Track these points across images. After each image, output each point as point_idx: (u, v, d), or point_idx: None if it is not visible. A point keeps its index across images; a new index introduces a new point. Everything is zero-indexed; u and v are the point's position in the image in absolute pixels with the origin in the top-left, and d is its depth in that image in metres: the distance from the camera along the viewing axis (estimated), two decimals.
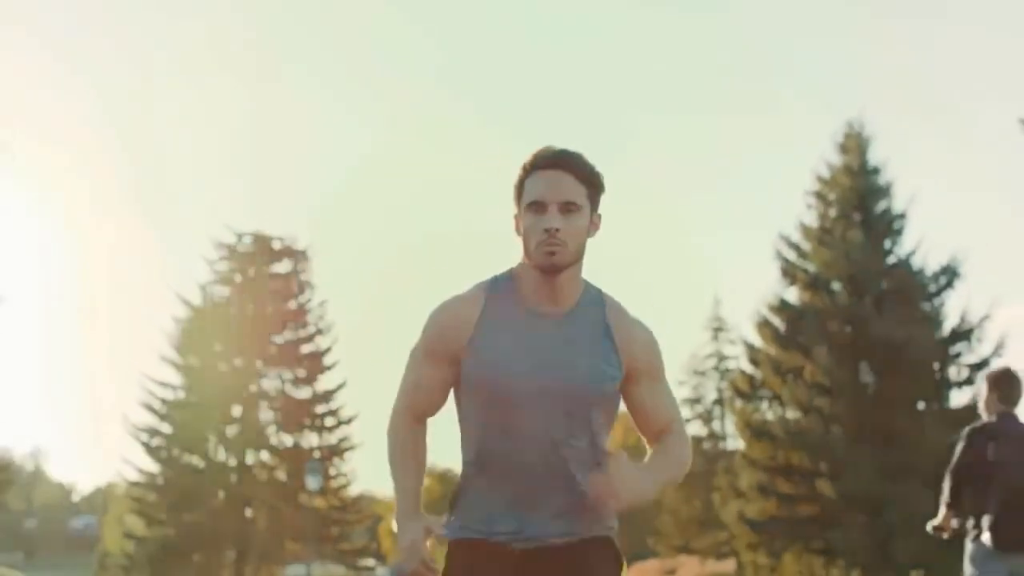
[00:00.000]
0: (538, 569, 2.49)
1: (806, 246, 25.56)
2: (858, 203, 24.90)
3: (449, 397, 2.64)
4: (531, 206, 2.48)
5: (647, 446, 2.68)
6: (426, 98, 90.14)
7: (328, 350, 31.90)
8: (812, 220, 25.69)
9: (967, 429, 5.54)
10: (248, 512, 30.55)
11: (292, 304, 31.92)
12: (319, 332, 31.97)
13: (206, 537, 29.57)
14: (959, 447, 5.50)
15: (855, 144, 25.39)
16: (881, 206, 25.17)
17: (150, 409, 30.44)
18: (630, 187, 74.87)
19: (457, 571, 2.56)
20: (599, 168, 2.55)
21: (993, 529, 5.24)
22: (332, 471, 30.96)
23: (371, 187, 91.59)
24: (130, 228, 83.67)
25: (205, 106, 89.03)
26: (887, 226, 25.02)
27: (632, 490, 2.46)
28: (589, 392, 2.50)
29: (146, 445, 30.36)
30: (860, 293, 24.32)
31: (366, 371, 62.47)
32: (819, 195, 25.72)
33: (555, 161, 2.49)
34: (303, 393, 31.57)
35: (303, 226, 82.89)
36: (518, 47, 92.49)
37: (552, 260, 2.46)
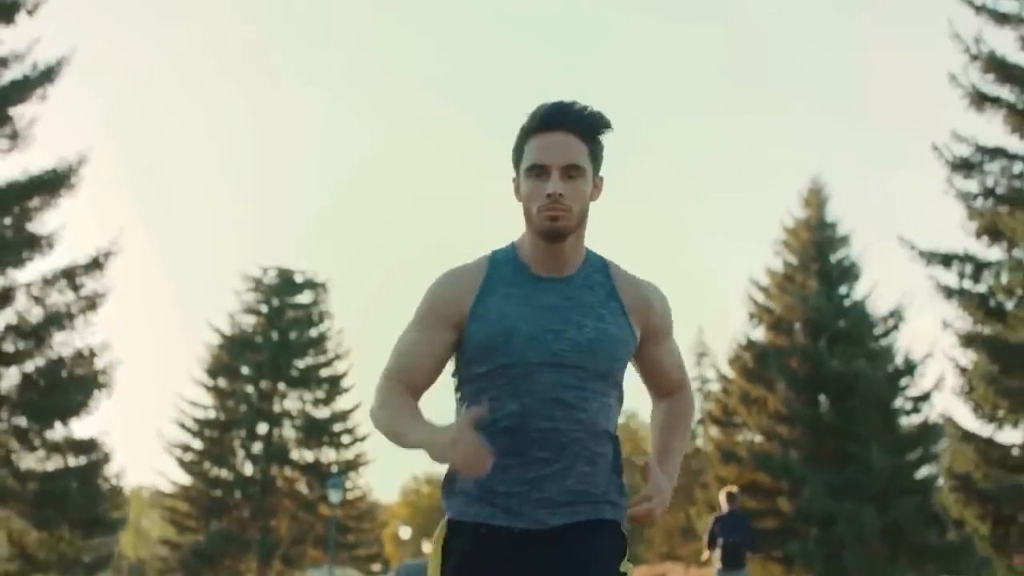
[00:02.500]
0: (538, 553, 2.34)
1: (772, 290, 28.24)
2: (816, 254, 27.44)
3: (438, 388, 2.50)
4: (531, 170, 2.34)
5: (654, 400, 2.61)
6: (429, 108, 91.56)
7: (345, 374, 34.52)
8: (778, 266, 28.39)
9: (712, 517, 12.32)
10: (272, 521, 32.87)
11: (313, 332, 34.56)
12: (337, 357, 34.63)
13: (233, 543, 31.93)
14: (708, 524, 12.21)
15: (816, 199, 28.12)
16: (839, 255, 27.71)
17: (183, 427, 33.08)
18: (629, 192, 76.99)
19: (457, 556, 2.39)
20: (605, 114, 2.38)
21: (722, 560, 11.99)
22: (348, 484, 33.23)
23: (374, 201, 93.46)
24: (134, 237, 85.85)
25: (206, 113, 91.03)
26: (843, 273, 27.49)
27: (666, 501, 2.44)
28: (599, 355, 2.36)
29: (179, 459, 32.98)
30: (816, 334, 26.66)
31: None
32: (785, 243, 28.45)
33: (557, 122, 2.34)
34: (322, 413, 34.11)
35: (307, 248, 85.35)
36: (520, 52, 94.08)
37: (555, 225, 2.32)
